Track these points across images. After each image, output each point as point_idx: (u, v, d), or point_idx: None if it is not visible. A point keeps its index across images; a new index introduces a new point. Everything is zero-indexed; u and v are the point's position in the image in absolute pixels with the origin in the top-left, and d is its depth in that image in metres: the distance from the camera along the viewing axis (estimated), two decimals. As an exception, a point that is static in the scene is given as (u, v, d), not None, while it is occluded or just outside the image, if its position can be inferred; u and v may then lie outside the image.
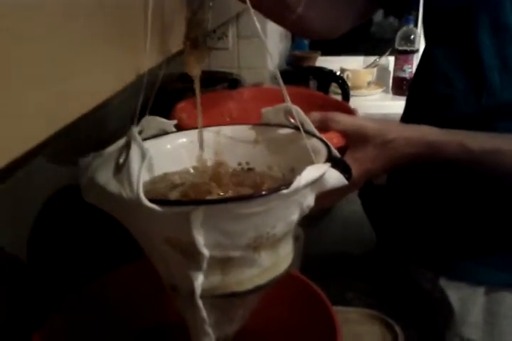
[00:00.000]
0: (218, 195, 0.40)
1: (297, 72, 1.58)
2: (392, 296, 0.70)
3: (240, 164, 0.50)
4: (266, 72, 1.67)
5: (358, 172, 0.54)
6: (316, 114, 0.54)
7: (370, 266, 0.76)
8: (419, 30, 1.73)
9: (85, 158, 0.42)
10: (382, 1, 0.77)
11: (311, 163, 0.41)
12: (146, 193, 0.43)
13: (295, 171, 0.46)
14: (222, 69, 1.39)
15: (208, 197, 0.35)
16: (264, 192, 0.34)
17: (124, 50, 0.32)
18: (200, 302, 0.38)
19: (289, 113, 0.47)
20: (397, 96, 1.74)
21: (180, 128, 0.55)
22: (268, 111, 0.49)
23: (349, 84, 1.54)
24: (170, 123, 0.49)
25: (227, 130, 0.51)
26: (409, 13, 1.66)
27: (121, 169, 0.37)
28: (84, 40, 0.28)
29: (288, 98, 0.44)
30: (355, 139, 0.54)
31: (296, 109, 0.46)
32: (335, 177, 0.39)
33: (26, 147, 0.24)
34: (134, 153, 0.37)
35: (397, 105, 1.68)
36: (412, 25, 1.68)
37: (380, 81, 1.80)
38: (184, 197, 0.40)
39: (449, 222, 0.66)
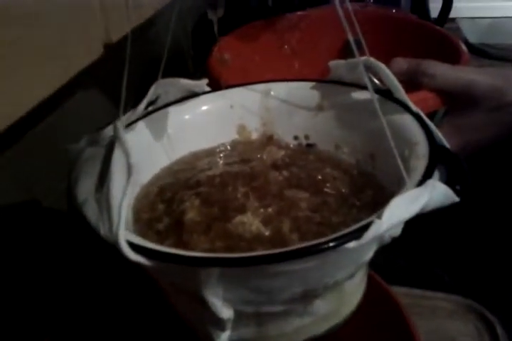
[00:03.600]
0: (255, 212, 0.27)
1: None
2: (492, 281, 0.56)
3: (296, 138, 0.36)
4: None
5: (457, 145, 0.38)
6: (403, 63, 0.36)
7: (466, 234, 0.61)
8: None
9: (75, 144, 0.30)
10: None
11: (400, 157, 0.26)
12: (159, 191, 0.31)
13: (375, 159, 0.32)
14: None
15: (223, 255, 0.22)
16: (313, 247, 0.20)
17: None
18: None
19: (370, 70, 0.31)
20: (513, -5, 1.41)
21: (218, 78, 0.41)
22: (338, 65, 0.33)
23: (453, -20, 1.25)
24: (199, 84, 0.35)
25: (280, 89, 0.36)
26: None
27: (103, 182, 0.24)
28: None
29: (365, 48, 0.28)
30: (458, 100, 0.37)
31: (379, 66, 0.30)
32: (440, 194, 0.24)
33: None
34: (117, 163, 0.24)
35: (512, 6, 1.38)
36: None
37: (492, -25, 1.46)
38: (204, 217, 0.27)
39: None
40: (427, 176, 0.23)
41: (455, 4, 1.05)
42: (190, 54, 0.89)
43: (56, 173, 0.40)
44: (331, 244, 0.20)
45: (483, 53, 1.10)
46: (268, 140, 0.36)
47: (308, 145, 0.35)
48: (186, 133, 0.34)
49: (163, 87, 0.32)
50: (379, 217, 0.20)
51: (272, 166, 0.32)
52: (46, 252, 0.47)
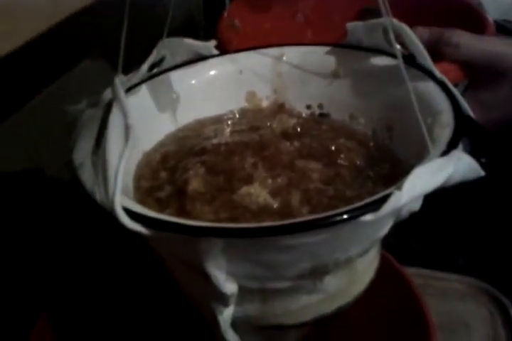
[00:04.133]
0: (263, 183, 0.25)
1: None
2: (507, 264, 0.54)
3: (309, 107, 0.34)
4: None
5: (481, 122, 0.36)
6: (424, 31, 0.34)
7: (482, 215, 0.59)
8: None
9: (74, 106, 0.28)
10: None
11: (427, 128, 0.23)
12: (162, 159, 0.30)
13: (393, 131, 0.29)
14: None
15: (227, 225, 0.20)
16: (326, 219, 0.18)
17: None
18: (229, 334, 0.25)
19: (390, 33, 0.28)
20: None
21: (228, 44, 0.39)
22: (357, 27, 0.31)
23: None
24: (207, 46, 0.33)
25: (293, 54, 0.33)
26: None
27: (100, 144, 0.23)
28: None
29: (387, 6, 0.26)
30: (483, 73, 0.35)
31: (403, 28, 0.28)
32: (465, 167, 0.22)
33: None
34: (115, 123, 0.22)
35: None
36: None
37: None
38: (208, 183, 0.25)
39: None
40: (452, 146, 0.21)
41: (477, -22, 1.00)
42: (201, 24, 0.86)
43: (61, 142, 0.39)
44: (346, 216, 0.18)
45: (505, 30, 1.06)
46: (279, 108, 0.34)
47: (322, 115, 0.33)
48: (193, 99, 0.32)
49: (169, 48, 0.30)
50: (399, 188, 0.18)
51: (282, 135, 0.30)
52: (48, 221, 0.46)
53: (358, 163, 0.28)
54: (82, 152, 0.23)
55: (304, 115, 0.33)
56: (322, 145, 0.29)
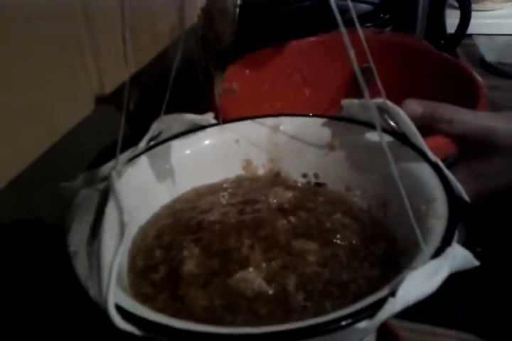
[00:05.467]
0: (258, 267, 0.25)
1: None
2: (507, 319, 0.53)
3: (305, 176, 0.34)
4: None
5: (474, 190, 0.36)
6: (417, 106, 0.34)
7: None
8: None
9: (70, 183, 0.28)
10: None
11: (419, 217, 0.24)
12: (157, 235, 0.29)
13: (388, 207, 0.30)
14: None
15: (219, 329, 0.19)
16: (320, 327, 0.18)
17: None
18: None
19: (386, 112, 0.29)
20: (531, 12, 1.38)
21: (227, 110, 0.39)
22: (352, 105, 0.31)
23: (470, -5, 1.22)
24: (205, 119, 0.33)
25: (290, 125, 0.34)
26: None
27: (95, 234, 0.23)
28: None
29: (381, 88, 0.26)
30: (476, 147, 0.35)
31: (396, 110, 0.28)
32: (460, 261, 0.22)
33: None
34: (110, 218, 0.22)
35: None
36: None
37: (510, -10, 1.43)
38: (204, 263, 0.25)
39: None
40: (446, 243, 0.21)
41: (472, 20, 1.01)
42: (201, 64, 0.87)
43: (56, 192, 0.38)
44: (342, 323, 0.18)
45: (500, 72, 1.07)
46: (275, 176, 0.34)
47: (318, 184, 0.34)
48: (188, 169, 0.33)
49: (167, 123, 0.31)
50: (393, 295, 0.18)
51: (278, 210, 0.30)
52: (49, 270, 0.45)
53: (354, 242, 0.28)
54: (77, 239, 0.23)
55: (299, 184, 0.34)
56: (319, 222, 0.29)
